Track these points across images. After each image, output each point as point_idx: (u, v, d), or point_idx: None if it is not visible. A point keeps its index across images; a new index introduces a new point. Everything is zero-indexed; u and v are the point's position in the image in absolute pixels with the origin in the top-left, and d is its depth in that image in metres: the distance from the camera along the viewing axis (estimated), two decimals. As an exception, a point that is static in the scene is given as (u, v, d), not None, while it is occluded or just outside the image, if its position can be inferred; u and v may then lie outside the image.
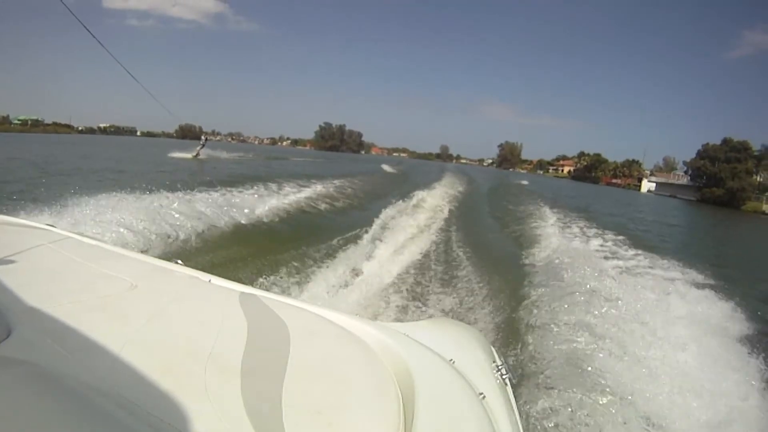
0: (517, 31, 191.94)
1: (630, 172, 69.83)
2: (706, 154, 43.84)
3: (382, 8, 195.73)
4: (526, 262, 5.59)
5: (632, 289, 3.72)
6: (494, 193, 18.24)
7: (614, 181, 68.30)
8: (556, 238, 7.04)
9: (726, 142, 42.66)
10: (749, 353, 2.84)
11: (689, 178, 49.64)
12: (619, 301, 3.36)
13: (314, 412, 0.77)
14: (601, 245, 6.52)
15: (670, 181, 56.17)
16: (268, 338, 1.02)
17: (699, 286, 4.13)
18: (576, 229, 8.14)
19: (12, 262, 1.19)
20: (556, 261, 5.11)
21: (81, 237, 1.67)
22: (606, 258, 5.52)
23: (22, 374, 0.64)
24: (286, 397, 0.79)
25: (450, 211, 10.08)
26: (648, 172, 67.76)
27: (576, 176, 76.75)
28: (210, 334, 0.97)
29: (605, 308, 3.25)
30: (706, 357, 2.63)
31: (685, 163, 54.15)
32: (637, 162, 72.36)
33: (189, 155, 21.36)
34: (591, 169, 75.32)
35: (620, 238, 7.28)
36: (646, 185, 58.68)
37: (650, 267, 5.07)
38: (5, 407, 0.54)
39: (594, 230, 8.04)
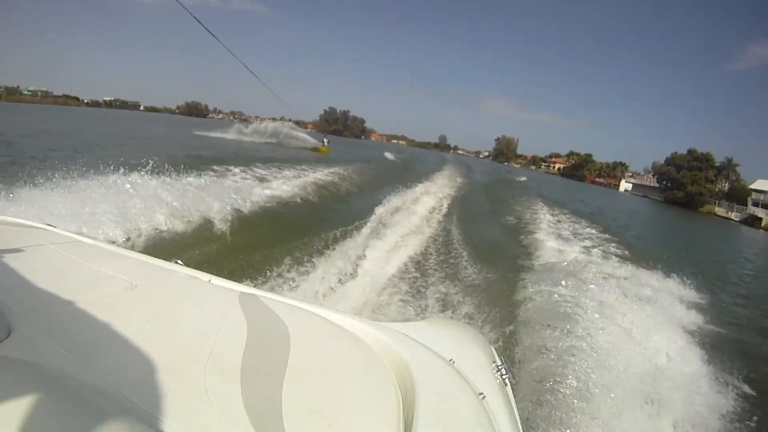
0: (521, 29, 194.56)
1: (614, 172, 74.23)
2: (672, 161, 49.43)
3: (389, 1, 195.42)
4: (526, 259, 5.59)
5: (625, 292, 3.86)
6: (493, 188, 18.59)
7: (598, 180, 72.74)
8: (554, 235, 7.16)
9: (690, 152, 48.11)
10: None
11: (656, 181, 54.81)
12: (610, 305, 3.48)
13: (314, 412, 0.77)
14: (589, 239, 7.27)
15: (644, 183, 60.79)
16: (268, 338, 1.02)
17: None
18: (571, 225, 8.74)
19: (12, 262, 1.18)
20: (555, 259, 5.14)
21: (81, 237, 1.68)
22: (600, 254, 5.84)
23: (22, 374, 0.63)
24: (286, 397, 0.79)
25: (450, 204, 10.32)
26: (629, 174, 72.22)
27: (564, 173, 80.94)
28: (210, 334, 0.97)
29: (603, 307, 3.33)
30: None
31: (653, 167, 59.08)
32: (623, 164, 76.50)
33: (315, 143, 26.46)
34: (578, 168, 79.33)
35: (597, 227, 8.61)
36: (624, 185, 63.54)
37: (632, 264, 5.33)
38: (5, 407, 0.53)
39: (585, 227, 8.78)
